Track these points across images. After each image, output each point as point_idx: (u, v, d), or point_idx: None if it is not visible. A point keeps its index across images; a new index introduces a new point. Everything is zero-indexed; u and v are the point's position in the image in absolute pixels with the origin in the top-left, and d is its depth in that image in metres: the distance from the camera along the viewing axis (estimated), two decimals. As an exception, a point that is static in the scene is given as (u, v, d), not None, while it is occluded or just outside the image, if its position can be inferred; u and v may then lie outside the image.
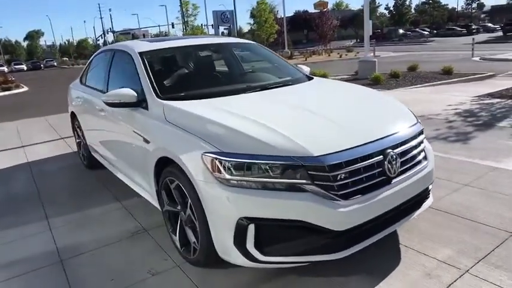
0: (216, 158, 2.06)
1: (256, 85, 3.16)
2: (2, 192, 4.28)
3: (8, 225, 3.41)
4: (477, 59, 17.69)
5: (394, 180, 2.20)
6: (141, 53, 3.23)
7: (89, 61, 4.56)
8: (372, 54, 21.36)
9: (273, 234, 2.01)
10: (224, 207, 2.05)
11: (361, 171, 2.08)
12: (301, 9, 57.39)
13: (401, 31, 51.83)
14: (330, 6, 47.33)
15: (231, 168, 2.03)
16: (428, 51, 26.57)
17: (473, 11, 54.10)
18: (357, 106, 2.77)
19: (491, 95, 7.72)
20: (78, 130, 4.80)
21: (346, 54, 28.13)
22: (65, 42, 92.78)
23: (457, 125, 5.61)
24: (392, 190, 2.18)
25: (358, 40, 53.62)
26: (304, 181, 1.98)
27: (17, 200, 4.02)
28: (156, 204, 2.94)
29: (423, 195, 2.49)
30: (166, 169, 2.51)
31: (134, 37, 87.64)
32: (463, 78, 10.74)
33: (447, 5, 57.74)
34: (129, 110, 2.93)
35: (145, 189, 3.03)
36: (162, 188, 2.62)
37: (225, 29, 41.33)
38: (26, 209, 3.73)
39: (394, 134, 2.31)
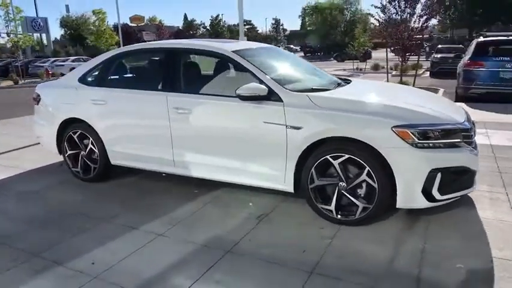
0: (408, 129, 2.75)
1: (334, 82, 3.83)
2: (20, 216, 3.48)
3: (100, 239, 3.00)
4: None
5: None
6: (235, 52, 3.45)
7: (102, 62, 4.09)
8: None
9: (448, 178, 2.83)
10: (417, 164, 2.76)
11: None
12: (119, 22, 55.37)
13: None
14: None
15: (419, 135, 2.75)
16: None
17: (277, 34, 64.36)
18: (423, 96, 3.83)
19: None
20: (77, 140, 4.22)
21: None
22: None
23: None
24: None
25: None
26: (460, 140, 2.88)
27: (49, 221, 3.41)
28: (282, 187, 3.27)
29: None
30: (325, 148, 2.97)
31: None
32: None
33: (257, 27, 66.75)
34: (257, 104, 3.16)
35: (266, 176, 3.28)
36: (314, 168, 3.04)
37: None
38: (89, 225, 3.27)
39: (469, 116, 3.42)
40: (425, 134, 2.77)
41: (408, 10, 10.51)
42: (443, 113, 3.02)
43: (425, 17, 10.54)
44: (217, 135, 3.42)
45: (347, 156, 2.91)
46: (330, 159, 2.98)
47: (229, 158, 3.43)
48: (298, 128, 3.04)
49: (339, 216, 3.05)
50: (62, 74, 24.49)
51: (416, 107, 3.03)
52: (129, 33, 51.49)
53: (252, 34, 60.29)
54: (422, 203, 2.84)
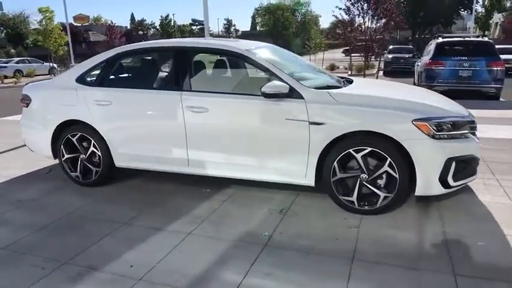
0: (426, 122, 2.98)
1: (341, 80, 4.00)
2: (28, 225, 3.28)
3: (127, 242, 2.94)
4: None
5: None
6: (247, 51, 3.52)
7: (103, 61, 3.94)
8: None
9: (460, 166, 3.10)
10: (435, 154, 3.00)
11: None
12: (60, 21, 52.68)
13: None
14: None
15: (435, 127, 3.00)
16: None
17: (230, 34, 64.70)
18: (425, 92, 4.10)
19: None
20: (76, 143, 4.05)
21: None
22: None
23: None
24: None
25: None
26: (467, 131, 3.18)
27: (62, 227, 3.28)
28: (303, 181, 3.39)
29: None
30: (347, 142, 3.13)
31: None
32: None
33: (209, 28, 66.31)
34: (278, 101, 3.25)
35: (287, 172, 3.39)
36: (336, 161, 3.18)
37: None
38: (109, 229, 3.17)
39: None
40: (441, 126, 3.02)
41: (370, 12, 11.07)
42: (452, 107, 3.31)
43: (384, 20, 11.15)
44: (237, 133, 3.46)
45: (369, 149, 3.09)
46: (353, 153, 3.14)
47: (249, 155, 3.48)
48: (320, 124, 3.17)
49: (366, 207, 3.22)
50: (6, 77, 22.86)
51: (427, 101, 3.28)
52: (75, 33, 49.08)
53: (204, 34, 60.17)
54: (439, 190, 3.10)
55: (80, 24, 49.25)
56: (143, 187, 4.14)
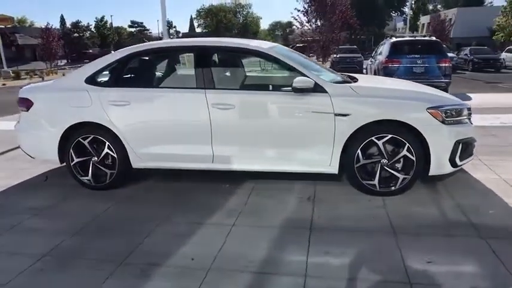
0: (438, 109, 3.39)
1: (345, 76, 4.31)
2: (60, 231, 3.16)
3: (175, 238, 3.00)
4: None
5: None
6: (270, 50, 3.71)
7: (115, 61, 3.87)
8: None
9: (464, 147, 3.54)
10: (446, 138, 3.43)
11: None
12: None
13: (113, 52, 53.38)
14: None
15: (445, 114, 3.42)
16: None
17: (172, 36, 63.74)
18: (423, 85, 4.53)
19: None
20: (88, 146, 3.94)
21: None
22: None
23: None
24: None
25: (70, 60, 51.02)
26: (466, 116, 3.65)
27: (100, 230, 3.24)
28: (328, 170, 3.66)
29: None
30: (369, 130, 3.45)
31: None
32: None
33: (149, 29, 65.28)
34: (302, 95, 3.48)
35: (313, 162, 3.63)
36: (360, 149, 3.49)
37: None
38: (149, 228, 3.19)
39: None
40: (448, 113, 3.46)
41: (328, 15, 11.70)
42: (449, 96, 3.77)
43: (341, 22, 11.84)
44: (264, 127, 3.63)
45: (390, 136, 3.44)
46: (375, 140, 3.47)
47: (275, 148, 3.67)
48: (345, 115, 3.45)
49: (387, 188, 3.55)
50: None
51: (433, 92, 3.72)
52: (1, 36, 45.10)
53: (144, 36, 58.70)
54: (449, 169, 3.53)
55: (3, 26, 45.51)
56: (160, 187, 4.14)
